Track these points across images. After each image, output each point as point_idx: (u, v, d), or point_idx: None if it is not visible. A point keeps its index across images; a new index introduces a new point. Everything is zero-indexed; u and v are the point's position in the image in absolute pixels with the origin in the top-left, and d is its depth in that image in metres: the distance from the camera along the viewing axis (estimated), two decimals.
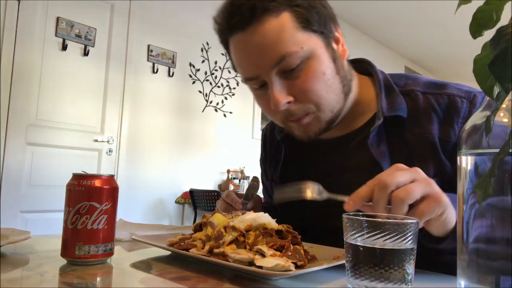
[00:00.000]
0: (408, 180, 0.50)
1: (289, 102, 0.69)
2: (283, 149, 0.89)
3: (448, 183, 0.59)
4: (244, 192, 0.84)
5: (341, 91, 0.73)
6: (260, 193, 0.95)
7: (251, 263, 0.53)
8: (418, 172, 0.52)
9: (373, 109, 0.78)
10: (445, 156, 0.70)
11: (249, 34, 0.67)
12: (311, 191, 0.57)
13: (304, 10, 0.67)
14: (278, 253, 0.55)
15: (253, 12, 0.66)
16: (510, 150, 0.32)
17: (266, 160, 0.98)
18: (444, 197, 0.50)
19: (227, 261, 0.55)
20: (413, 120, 0.73)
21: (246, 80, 0.73)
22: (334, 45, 0.73)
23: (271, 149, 0.97)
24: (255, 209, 0.83)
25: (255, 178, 0.86)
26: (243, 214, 0.65)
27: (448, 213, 0.51)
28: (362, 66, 0.83)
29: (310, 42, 0.68)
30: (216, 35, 0.75)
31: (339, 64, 0.73)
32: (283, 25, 0.66)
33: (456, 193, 0.43)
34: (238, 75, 0.76)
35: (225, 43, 0.74)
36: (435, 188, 0.50)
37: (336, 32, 0.74)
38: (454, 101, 0.72)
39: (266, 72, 0.68)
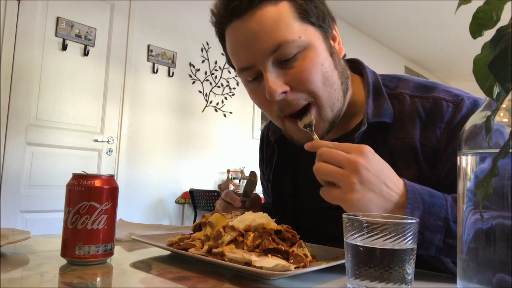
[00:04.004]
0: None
1: (285, 92, 0.67)
2: (276, 150, 0.89)
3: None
4: (243, 189, 0.84)
5: (340, 88, 0.72)
6: (259, 192, 0.95)
7: (246, 263, 0.53)
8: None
9: (363, 111, 0.76)
10: (425, 161, 0.68)
11: (246, 21, 0.66)
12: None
13: (303, 1, 0.67)
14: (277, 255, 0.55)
15: None
16: (510, 150, 0.32)
17: (263, 160, 0.98)
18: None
19: (225, 261, 0.55)
20: (398, 125, 0.72)
21: (241, 70, 0.71)
22: (331, 42, 0.73)
23: (268, 150, 0.96)
24: (254, 208, 0.83)
25: (252, 173, 0.85)
26: (242, 214, 0.65)
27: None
28: (354, 67, 0.82)
29: (308, 33, 0.67)
30: (213, 28, 0.74)
31: (336, 60, 0.72)
32: (281, 13, 0.66)
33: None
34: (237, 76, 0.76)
35: (221, 34, 0.73)
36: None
37: (334, 30, 0.74)
38: (439, 105, 0.70)
39: (262, 60, 0.66)
